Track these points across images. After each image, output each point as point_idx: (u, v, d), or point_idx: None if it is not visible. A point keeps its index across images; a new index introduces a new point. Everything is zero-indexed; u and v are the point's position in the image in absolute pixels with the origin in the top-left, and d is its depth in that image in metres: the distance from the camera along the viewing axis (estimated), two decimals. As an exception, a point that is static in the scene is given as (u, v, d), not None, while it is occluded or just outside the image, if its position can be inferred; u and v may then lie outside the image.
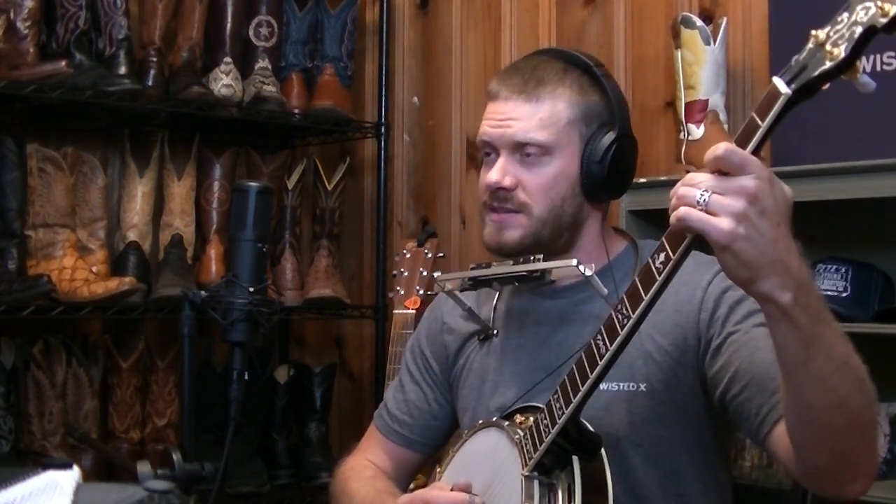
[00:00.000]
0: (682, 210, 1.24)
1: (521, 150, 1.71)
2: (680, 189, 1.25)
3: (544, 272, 1.67)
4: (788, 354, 1.29)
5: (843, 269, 2.24)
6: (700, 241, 1.29)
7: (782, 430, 1.43)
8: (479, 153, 1.78)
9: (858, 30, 1.18)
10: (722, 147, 1.22)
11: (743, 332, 1.58)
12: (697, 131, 2.49)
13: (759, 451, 2.31)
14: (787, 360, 1.30)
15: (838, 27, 1.20)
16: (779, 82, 1.23)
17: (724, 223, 1.21)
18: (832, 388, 1.29)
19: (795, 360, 1.29)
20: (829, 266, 2.26)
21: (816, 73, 1.21)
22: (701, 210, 1.22)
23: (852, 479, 1.39)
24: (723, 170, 1.22)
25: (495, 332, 1.81)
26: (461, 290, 1.80)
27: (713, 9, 2.65)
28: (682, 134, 2.53)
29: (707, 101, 2.49)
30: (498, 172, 1.71)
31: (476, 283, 1.77)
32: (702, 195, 1.22)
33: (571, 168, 1.71)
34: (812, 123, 2.21)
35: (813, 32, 1.22)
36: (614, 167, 1.71)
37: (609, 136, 1.71)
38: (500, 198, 1.71)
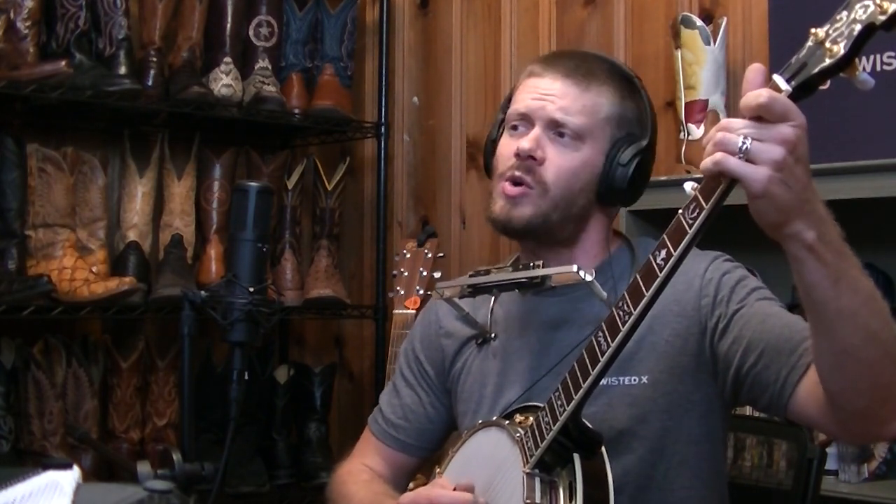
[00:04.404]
0: (720, 155, 1.24)
1: (557, 128, 1.71)
2: (717, 135, 1.24)
3: (544, 278, 1.66)
4: (818, 293, 1.30)
5: (843, 269, 2.24)
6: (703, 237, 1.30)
7: (807, 387, 1.45)
8: (511, 127, 1.76)
9: (858, 27, 1.19)
10: (765, 94, 1.22)
11: (748, 305, 1.59)
12: (697, 131, 2.49)
13: (760, 450, 2.31)
14: (818, 300, 1.31)
15: (838, 25, 1.21)
16: (779, 80, 1.24)
17: (762, 172, 1.22)
18: (863, 322, 1.31)
19: (825, 298, 1.30)
20: (830, 266, 2.25)
21: (816, 70, 1.22)
22: (740, 158, 1.22)
23: (891, 415, 1.39)
24: (764, 116, 1.23)
25: (493, 335, 1.81)
26: (461, 297, 1.80)
27: (713, 9, 2.65)
28: (682, 134, 2.53)
29: (707, 101, 2.49)
30: (532, 141, 1.71)
31: (476, 290, 1.76)
32: (743, 143, 1.22)
33: (595, 162, 1.72)
34: (812, 123, 2.19)
35: (812, 30, 1.23)
36: (634, 175, 1.71)
37: (638, 144, 1.72)
38: (525, 167, 1.70)
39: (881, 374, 1.34)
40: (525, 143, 1.70)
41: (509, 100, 1.81)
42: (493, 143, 1.80)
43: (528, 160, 1.70)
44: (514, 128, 1.75)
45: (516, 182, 1.71)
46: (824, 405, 1.41)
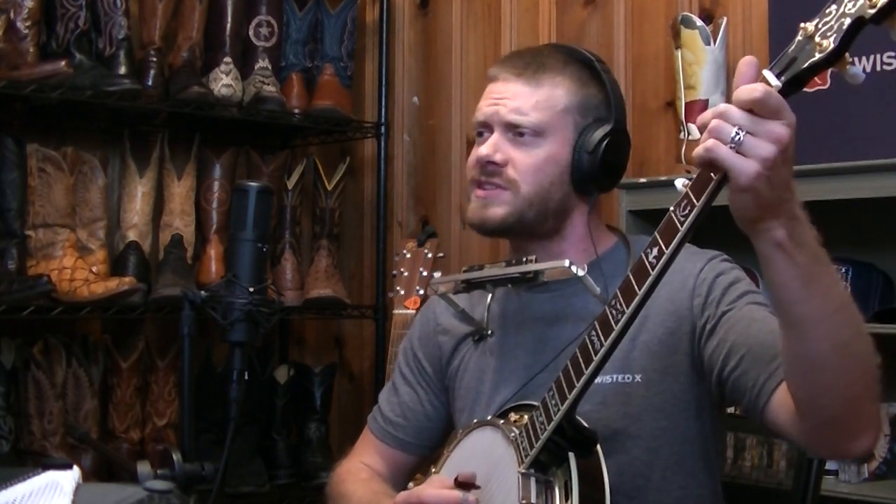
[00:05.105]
0: (712, 142, 1.23)
1: (515, 129, 1.72)
2: (713, 121, 1.24)
3: (537, 273, 1.66)
4: (786, 294, 1.29)
5: (843, 269, 2.24)
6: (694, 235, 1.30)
7: (781, 396, 1.44)
8: (477, 135, 1.79)
9: (847, 21, 1.18)
10: (761, 89, 1.21)
11: (737, 309, 1.59)
12: (697, 131, 2.49)
13: (760, 450, 2.31)
14: (786, 301, 1.30)
15: (827, 19, 1.20)
16: (768, 75, 1.23)
17: (752, 166, 1.21)
18: (833, 330, 1.30)
19: (793, 300, 1.29)
20: (829, 266, 2.25)
21: (806, 65, 1.21)
22: (731, 148, 1.22)
23: (861, 430, 1.38)
24: (757, 112, 1.22)
25: (490, 332, 1.81)
26: (455, 293, 1.80)
27: (713, 9, 2.65)
28: (682, 134, 2.54)
29: (707, 101, 2.49)
30: (489, 147, 1.73)
31: (469, 286, 1.77)
32: (736, 134, 1.22)
33: (562, 154, 1.72)
34: (812, 123, 2.21)
35: (802, 25, 1.22)
36: (605, 160, 1.72)
37: (603, 129, 1.72)
38: (488, 172, 1.73)
39: (850, 386, 1.33)
40: (483, 149, 1.73)
41: None
42: None
43: (488, 165, 1.72)
44: (480, 134, 1.78)
45: (484, 185, 1.73)
46: (795, 415, 1.40)
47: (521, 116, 1.71)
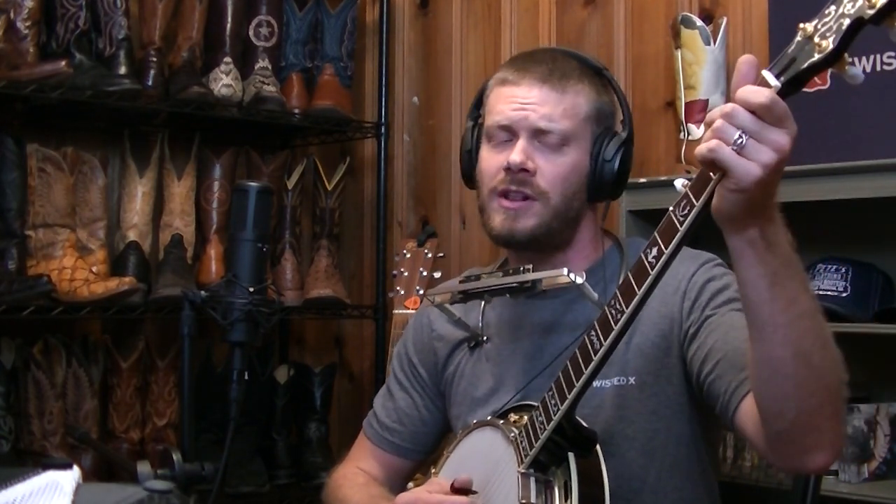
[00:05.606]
0: (715, 143, 1.23)
1: (541, 136, 1.69)
2: (717, 121, 1.24)
3: (535, 282, 1.65)
4: (754, 293, 1.30)
5: (843, 269, 2.24)
6: (693, 236, 1.31)
7: (750, 403, 1.44)
8: (491, 139, 1.74)
9: (846, 22, 1.18)
10: (768, 94, 1.21)
11: (720, 315, 1.59)
12: (697, 131, 2.49)
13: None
14: (754, 300, 1.31)
15: (826, 20, 1.20)
16: (768, 75, 1.23)
17: (754, 170, 1.21)
18: (794, 337, 1.30)
19: (761, 300, 1.29)
20: (829, 266, 2.26)
21: (805, 65, 1.21)
22: (734, 150, 1.22)
23: (816, 446, 1.38)
24: (762, 116, 1.21)
25: (485, 338, 1.81)
26: (451, 303, 1.79)
27: (713, 9, 2.65)
28: (682, 134, 2.54)
29: (707, 101, 2.50)
30: (520, 153, 1.68)
31: (467, 296, 1.76)
32: (740, 137, 1.22)
33: (583, 163, 1.71)
34: (813, 123, 2.21)
35: (801, 25, 1.22)
36: (621, 169, 1.72)
37: (619, 138, 1.72)
38: (518, 181, 1.69)
39: (808, 398, 1.33)
40: (515, 156, 1.68)
41: (477, 106, 1.80)
42: (469, 154, 1.79)
43: (520, 173, 1.68)
44: (495, 139, 1.73)
45: (511, 195, 1.70)
46: (758, 423, 1.41)
47: (552, 123, 1.69)
